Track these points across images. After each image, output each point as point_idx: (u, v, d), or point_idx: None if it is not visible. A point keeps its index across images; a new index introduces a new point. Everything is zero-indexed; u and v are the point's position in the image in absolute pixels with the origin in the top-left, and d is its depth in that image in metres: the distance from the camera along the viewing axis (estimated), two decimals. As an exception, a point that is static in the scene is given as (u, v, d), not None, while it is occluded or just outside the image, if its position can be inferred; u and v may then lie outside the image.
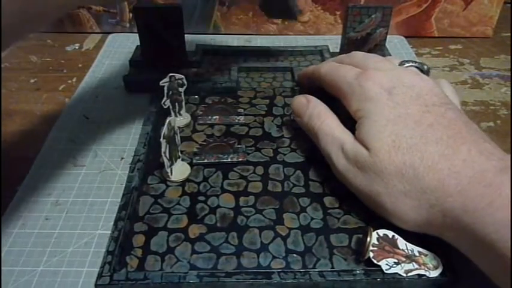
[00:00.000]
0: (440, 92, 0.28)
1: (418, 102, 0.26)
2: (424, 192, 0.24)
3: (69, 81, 0.44)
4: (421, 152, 0.24)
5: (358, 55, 0.33)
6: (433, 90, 0.27)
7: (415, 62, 0.31)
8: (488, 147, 0.24)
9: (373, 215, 0.27)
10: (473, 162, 0.23)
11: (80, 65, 0.46)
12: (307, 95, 0.33)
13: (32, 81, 0.44)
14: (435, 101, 0.27)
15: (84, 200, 0.30)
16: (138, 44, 0.42)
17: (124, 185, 0.30)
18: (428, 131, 0.25)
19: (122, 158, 0.34)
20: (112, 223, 0.27)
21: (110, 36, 0.51)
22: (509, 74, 0.46)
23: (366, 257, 0.24)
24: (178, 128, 0.35)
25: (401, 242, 0.25)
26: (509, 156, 0.24)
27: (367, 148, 0.26)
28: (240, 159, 0.32)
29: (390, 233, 0.25)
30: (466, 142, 0.24)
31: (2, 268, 0.25)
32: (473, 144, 0.24)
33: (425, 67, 0.31)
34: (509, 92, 0.43)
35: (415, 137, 0.25)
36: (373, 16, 0.40)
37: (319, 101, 0.32)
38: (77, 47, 0.50)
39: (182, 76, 0.34)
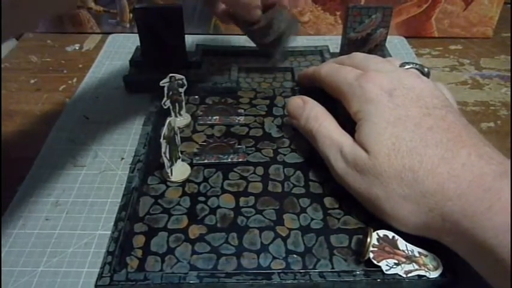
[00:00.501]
0: (441, 95, 0.27)
1: (418, 104, 0.26)
2: (424, 196, 0.24)
3: (69, 82, 0.43)
4: (421, 156, 0.24)
5: (358, 56, 0.33)
6: (434, 93, 0.27)
7: (416, 64, 0.31)
8: (488, 151, 0.24)
9: (373, 216, 0.27)
10: (472, 166, 0.23)
11: (80, 65, 0.46)
12: (303, 96, 0.33)
13: (32, 81, 0.44)
14: (436, 103, 0.26)
15: (84, 200, 0.30)
16: (138, 44, 0.42)
17: (124, 186, 0.30)
18: (428, 134, 0.25)
19: (122, 158, 0.34)
20: (112, 223, 0.27)
21: (110, 36, 0.51)
22: (509, 74, 0.46)
23: (366, 258, 0.24)
24: (179, 128, 0.35)
25: (401, 243, 0.25)
26: (508, 160, 0.24)
27: (366, 151, 0.26)
28: (240, 160, 0.32)
29: (390, 234, 0.25)
30: (466, 146, 0.24)
31: (2, 268, 0.25)
32: (473, 148, 0.24)
33: (426, 69, 0.31)
34: (509, 93, 0.43)
35: (414, 139, 0.25)
36: (373, 16, 0.40)
37: (315, 102, 0.32)
38: (77, 48, 0.50)
39: (182, 76, 0.34)
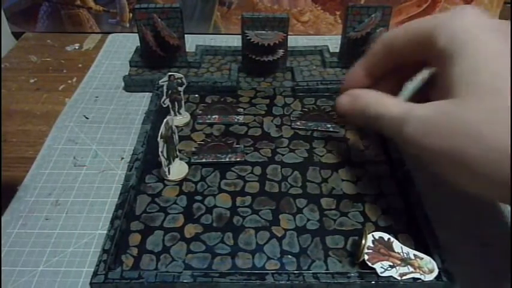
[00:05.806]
0: None
1: None
2: None
3: (69, 81, 0.44)
4: None
5: None
6: None
7: None
8: None
9: (369, 218, 0.27)
10: None
11: (80, 65, 0.46)
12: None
13: (32, 81, 0.44)
14: None
15: (84, 200, 0.30)
16: (138, 44, 0.42)
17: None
18: None
19: (122, 158, 0.34)
20: (111, 223, 0.27)
21: (110, 36, 0.51)
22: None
23: (361, 260, 0.24)
24: (178, 127, 0.35)
25: (396, 245, 0.25)
26: None
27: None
28: (238, 159, 0.32)
29: (386, 236, 0.25)
30: None
31: (2, 268, 0.26)
32: None
33: None
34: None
35: None
36: (372, 15, 0.40)
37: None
38: (77, 47, 0.50)
39: (181, 75, 0.34)
